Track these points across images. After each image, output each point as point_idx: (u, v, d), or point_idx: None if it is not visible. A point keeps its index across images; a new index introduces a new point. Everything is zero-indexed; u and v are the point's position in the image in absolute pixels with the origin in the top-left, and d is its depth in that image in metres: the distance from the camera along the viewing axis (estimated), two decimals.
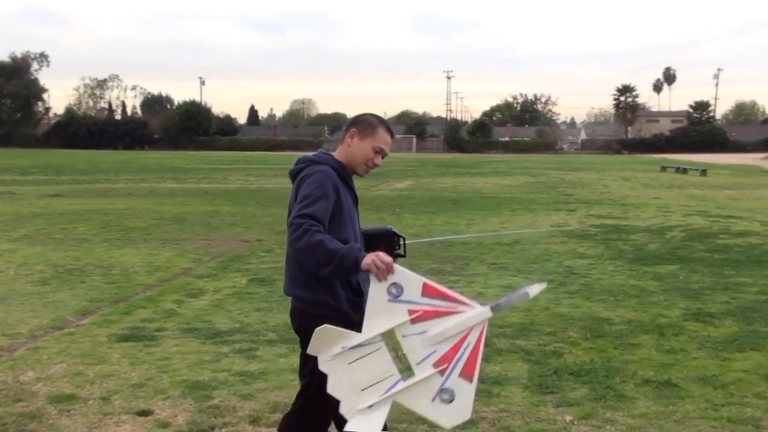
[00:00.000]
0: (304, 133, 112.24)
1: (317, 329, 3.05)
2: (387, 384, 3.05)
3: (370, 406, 3.04)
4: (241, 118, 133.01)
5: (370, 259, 3.02)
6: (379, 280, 3.02)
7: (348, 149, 3.44)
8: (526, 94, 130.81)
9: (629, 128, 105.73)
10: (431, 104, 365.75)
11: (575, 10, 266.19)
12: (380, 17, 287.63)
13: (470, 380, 2.99)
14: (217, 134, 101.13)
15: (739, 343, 6.33)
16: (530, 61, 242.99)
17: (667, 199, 21.94)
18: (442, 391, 3.01)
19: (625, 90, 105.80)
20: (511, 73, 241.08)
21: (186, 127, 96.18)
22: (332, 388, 3.07)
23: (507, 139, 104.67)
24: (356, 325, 3.17)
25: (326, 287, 3.27)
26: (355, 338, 3.05)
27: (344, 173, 3.41)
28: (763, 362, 5.81)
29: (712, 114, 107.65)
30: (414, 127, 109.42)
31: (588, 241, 12.69)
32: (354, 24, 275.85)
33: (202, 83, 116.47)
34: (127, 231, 13.94)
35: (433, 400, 3.02)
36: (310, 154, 3.50)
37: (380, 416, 3.04)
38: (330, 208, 3.23)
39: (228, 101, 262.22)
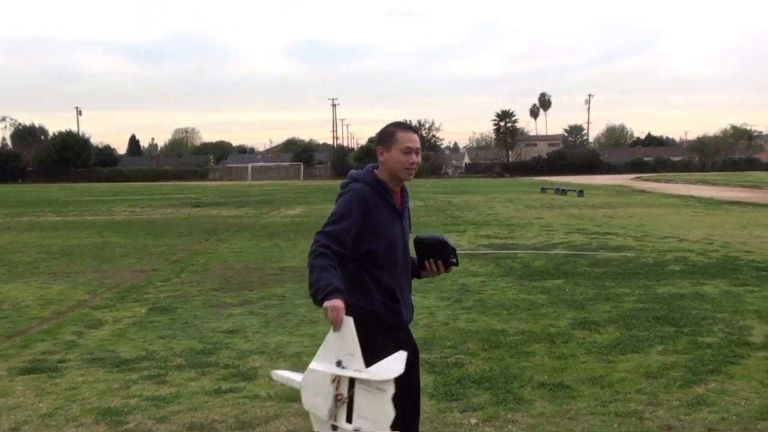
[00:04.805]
0: (188, 162, 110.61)
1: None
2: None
3: None
4: (121, 149, 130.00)
5: (328, 308, 3.15)
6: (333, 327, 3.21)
7: (384, 165, 3.72)
8: (410, 120, 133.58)
9: (510, 152, 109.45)
10: (317, 131, 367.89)
11: (450, 38, 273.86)
12: (261, 46, 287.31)
13: None
14: (97, 165, 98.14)
15: (621, 346, 6.86)
16: (413, 88, 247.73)
17: (548, 219, 22.98)
18: None
19: (505, 115, 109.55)
20: (395, 100, 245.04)
21: (63, 158, 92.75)
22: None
23: None
24: (392, 329, 3.59)
25: (361, 291, 3.56)
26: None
27: (382, 190, 3.67)
28: (643, 363, 6.34)
29: (585, 137, 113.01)
30: (301, 154, 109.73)
31: (479, 260, 13.22)
32: (234, 52, 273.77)
33: (79, 113, 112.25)
34: (12, 266, 13.49)
35: None
36: (360, 171, 3.79)
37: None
38: (352, 226, 3.51)
39: (107, 131, 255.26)
